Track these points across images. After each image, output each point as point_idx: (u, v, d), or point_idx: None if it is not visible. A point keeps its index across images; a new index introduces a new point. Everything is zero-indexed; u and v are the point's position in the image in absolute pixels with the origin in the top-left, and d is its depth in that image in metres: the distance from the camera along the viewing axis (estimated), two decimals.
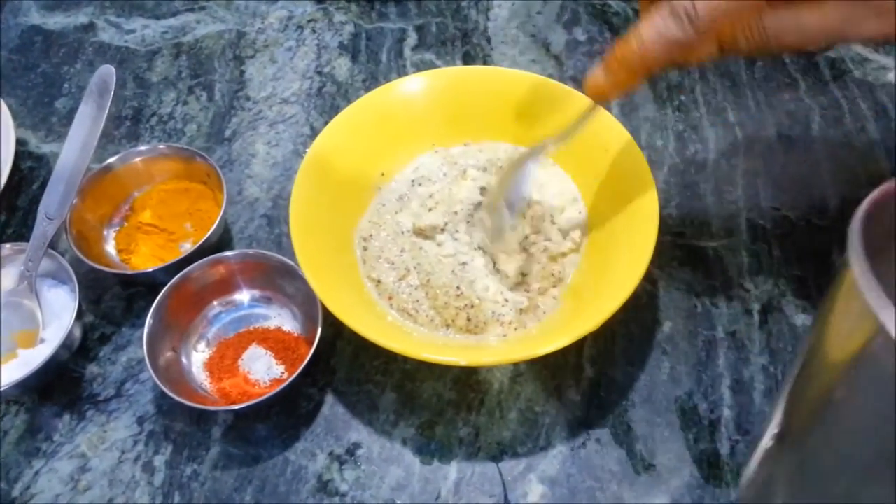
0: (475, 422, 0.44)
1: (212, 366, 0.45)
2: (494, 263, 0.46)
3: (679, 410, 0.43)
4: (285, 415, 0.44)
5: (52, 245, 0.47)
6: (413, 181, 0.51)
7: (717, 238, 0.51)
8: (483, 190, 0.48)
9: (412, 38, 0.64)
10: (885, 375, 0.23)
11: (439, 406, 0.44)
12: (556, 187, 0.49)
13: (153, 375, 0.42)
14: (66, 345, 0.44)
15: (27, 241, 0.47)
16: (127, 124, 0.59)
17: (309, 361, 0.42)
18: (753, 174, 0.54)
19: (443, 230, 0.48)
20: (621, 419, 0.43)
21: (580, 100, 0.51)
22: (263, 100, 0.61)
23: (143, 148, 0.52)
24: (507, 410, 0.44)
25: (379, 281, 0.46)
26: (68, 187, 0.48)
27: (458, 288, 0.44)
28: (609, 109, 0.52)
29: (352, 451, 0.43)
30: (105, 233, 0.51)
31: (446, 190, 0.49)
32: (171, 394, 0.41)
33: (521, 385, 0.45)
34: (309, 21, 0.66)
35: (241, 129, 0.59)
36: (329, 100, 0.60)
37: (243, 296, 0.48)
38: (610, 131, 0.49)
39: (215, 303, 0.47)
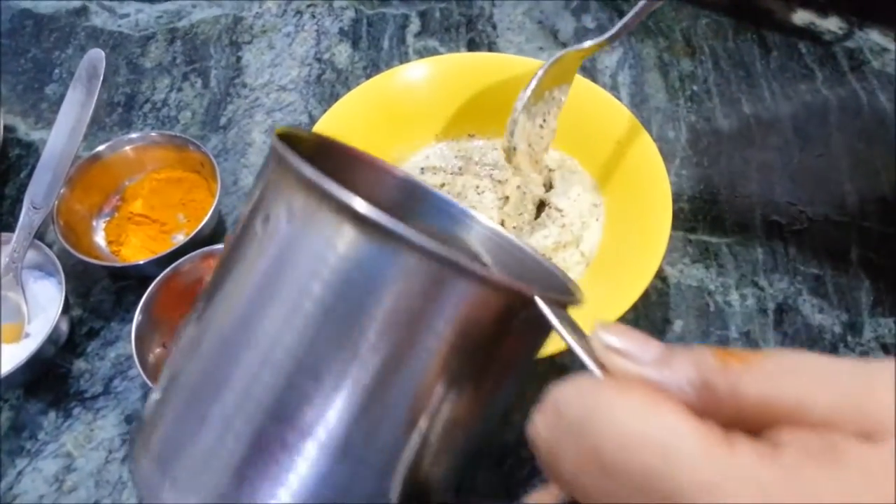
0: None
1: None
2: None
3: None
4: None
5: (39, 236, 0.46)
6: (423, 169, 0.49)
7: (730, 234, 0.49)
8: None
9: (415, 24, 0.62)
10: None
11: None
12: (576, 193, 0.47)
13: (142, 372, 0.40)
14: (52, 339, 0.42)
15: (13, 231, 0.45)
16: (119, 111, 0.57)
17: None
18: (768, 168, 0.52)
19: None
20: None
21: (589, 88, 0.49)
22: (260, 87, 0.58)
23: (134, 136, 0.50)
24: (512, 412, 0.42)
25: None
26: (55, 176, 0.46)
27: None
28: (619, 99, 0.50)
29: None
30: (94, 223, 0.49)
31: (460, 182, 0.48)
32: None
33: (525, 384, 0.43)
34: (308, 6, 0.64)
35: (237, 116, 0.57)
36: (328, 87, 0.58)
37: None
38: (621, 122, 0.47)
39: None
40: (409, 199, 0.31)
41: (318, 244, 0.22)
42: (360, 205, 0.21)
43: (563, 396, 0.18)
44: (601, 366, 0.19)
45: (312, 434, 0.22)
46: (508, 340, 0.23)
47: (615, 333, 0.19)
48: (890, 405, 0.16)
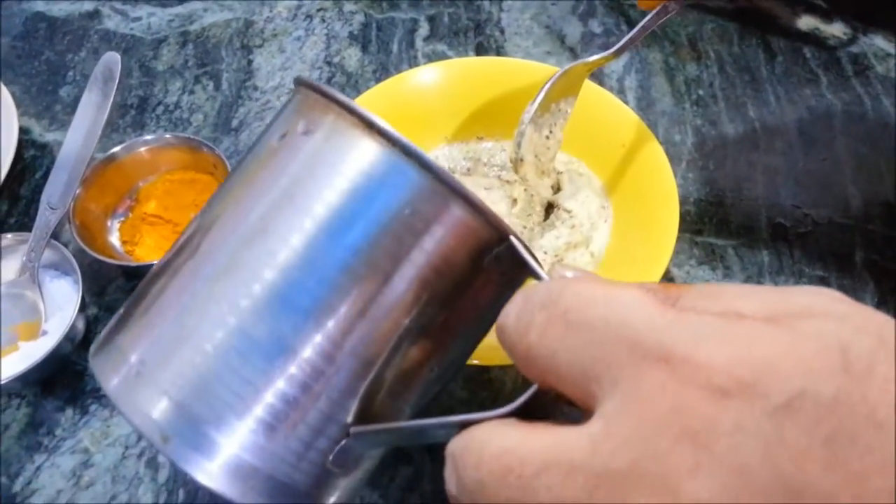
0: None
1: None
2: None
3: None
4: None
5: (55, 235, 0.46)
6: None
7: (736, 236, 0.49)
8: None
9: (424, 29, 0.63)
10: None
11: (450, 404, 0.43)
12: (584, 195, 0.48)
13: None
14: (68, 337, 0.43)
15: (30, 230, 0.46)
16: (132, 113, 0.58)
17: None
18: (773, 171, 0.53)
19: None
20: None
21: (596, 92, 0.50)
22: (272, 90, 0.59)
23: (148, 137, 0.51)
24: None
25: None
26: (72, 176, 0.47)
27: None
28: (626, 103, 0.50)
29: None
30: (109, 223, 0.50)
31: (469, 182, 0.48)
32: None
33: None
34: (318, 10, 0.65)
35: (249, 119, 0.58)
36: (338, 90, 0.59)
37: None
38: (628, 125, 0.48)
39: None
40: None
41: (335, 155, 0.24)
42: (382, 122, 0.24)
43: (531, 289, 0.20)
44: None
45: (304, 331, 0.23)
46: (480, 278, 0.25)
47: (572, 269, 0.22)
48: (805, 302, 0.18)
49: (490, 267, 0.24)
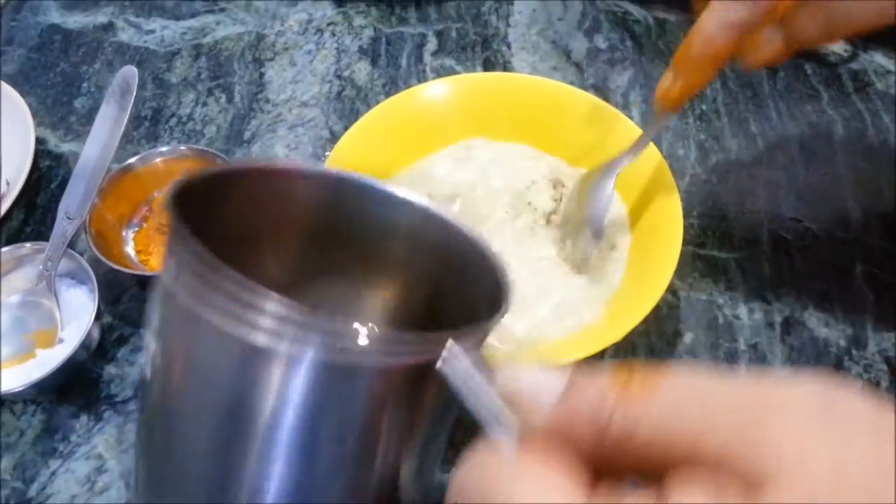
0: None
1: None
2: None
3: None
4: None
5: (71, 245, 0.47)
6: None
7: (738, 249, 0.50)
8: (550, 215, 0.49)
9: (432, 43, 0.64)
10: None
11: (458, 415, 0.44)
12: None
13: None
14: (84, 345, 0.44)
15: (46, 239, 0.47)
16: (146, 125, 0.59)
17: None
18: (775, 185, 0.54)
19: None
20: None
21: (601, 108, 0.51)
22: (283, 102, 0.60)
23: (163, 149, 0.52)
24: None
25: None
26: (89, 187, 0.48)
27: None
28: (630, 118, 0.51)
29: None
30: (124, 233, 0.51)
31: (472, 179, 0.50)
32: None
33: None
34: (328, 24, 0.66)
35: (261, 131, 0.59)
36: (348, 104, 0.60)
37: None
38: (633, 140, 0.48)
39: None
40: (337, 196, 0.29)
41: (217, 370, 0.22)
42: (245, 331, 0.21)
43: (465, 477, 0.20)
44: (507, 418, 0.20)
45: None
46: (431, 389, 0.23)
47: (517, 378, 0.20)
48: (775, 444, 0.16)
49: (437, 376, 0.22)
